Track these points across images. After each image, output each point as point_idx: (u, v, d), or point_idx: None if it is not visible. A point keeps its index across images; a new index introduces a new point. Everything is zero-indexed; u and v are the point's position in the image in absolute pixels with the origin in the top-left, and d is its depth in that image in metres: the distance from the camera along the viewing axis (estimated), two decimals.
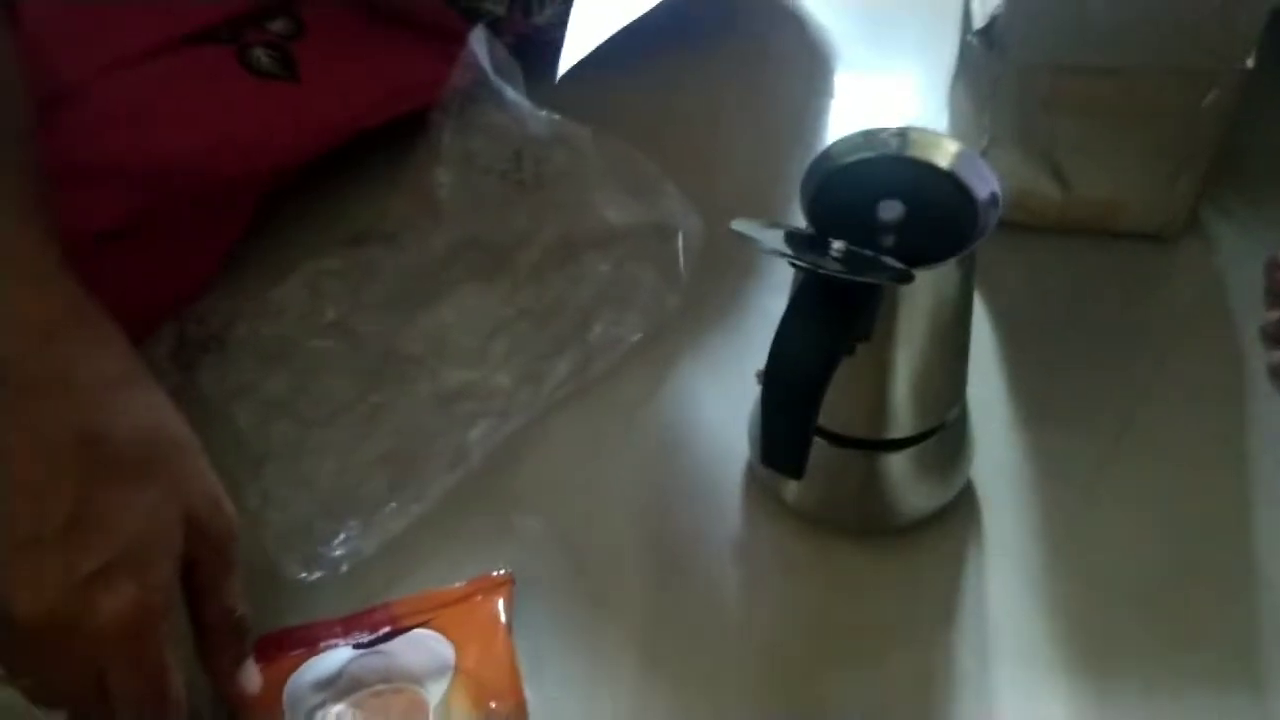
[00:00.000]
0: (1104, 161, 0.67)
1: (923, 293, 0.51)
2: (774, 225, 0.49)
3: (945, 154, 0.53)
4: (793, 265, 0.47)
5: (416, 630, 0.56)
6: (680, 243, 0.69)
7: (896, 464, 0.58)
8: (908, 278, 0.46)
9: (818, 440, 0.57)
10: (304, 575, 0.60)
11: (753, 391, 0.57)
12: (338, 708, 0.54)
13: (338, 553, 0.61)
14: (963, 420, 0.60)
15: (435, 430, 0.65)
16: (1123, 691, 0.56)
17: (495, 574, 0.58)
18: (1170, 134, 0.66)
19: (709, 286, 0.69)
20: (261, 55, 0.72)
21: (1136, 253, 0.71)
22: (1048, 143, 0.67)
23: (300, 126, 0.72)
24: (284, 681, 0.55)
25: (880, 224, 0.51)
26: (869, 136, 0.53)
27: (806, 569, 0.60)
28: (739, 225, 0.47)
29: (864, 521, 0.61)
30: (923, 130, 0.53)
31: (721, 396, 0.66)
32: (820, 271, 0.46)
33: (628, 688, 0.57)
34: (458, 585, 0.58)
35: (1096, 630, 0.57)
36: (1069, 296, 0.70)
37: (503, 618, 0.57)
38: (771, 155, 0.77)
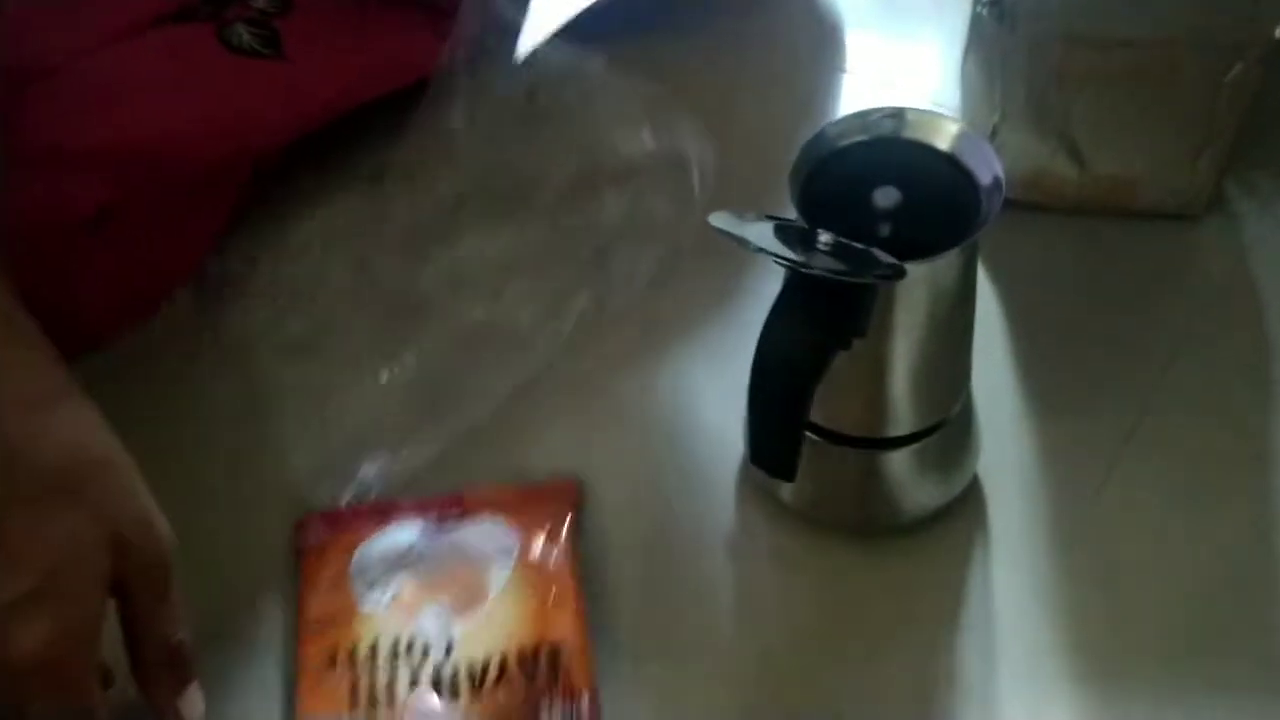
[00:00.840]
0: (1122, 138, 0.64)
1: (922, 285, 0.49)
2: (761, 217, 0.46)
3: (945, 135, 0.50)
4: (778, 263, 0.44)
5: (486, 518, 0.57)
6: (695, 173, 0.67)
7: (897, 462, 0.55)
8: (899, 274, 0.43)
9: (813, 438, 0.54)
10: None
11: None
12: (401, 578, 0.55)
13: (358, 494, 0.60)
14: (967, 414, 0.57)
15: (456, 368, 0.64)
16: (1134, 702, 0.53)
17: (568, 479, 0.59)
18: (1192, 108, 0.62)
19: (702, 280, 0.67)
20: (243, 32, 0.70)
21: (1156, 233, 0.67)
22: (1062, 119, 0.63)
23: (287, 105, 0.69)
24: (354, 550, 0.56)
25: (876, 212, 0.48)
26: (863, 118, 0.50)
27: (803, 569, 0.58)
28: (718, 220, 0.44)
29: (863, 521, 0.58)
30: (920, 110, 0.50)
31: (718, 386, 0.63)
32: (803, 271, 0.43)
33: (613, 690, 0.54)
34: (533, 482, 0.59)
35: (1108, 637, 0.55)
36: (1084, 280, 0.66)
37: (566, 523, 0.57)
38: (779, 132, 0.73)
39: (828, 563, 0.58)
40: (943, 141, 0.50)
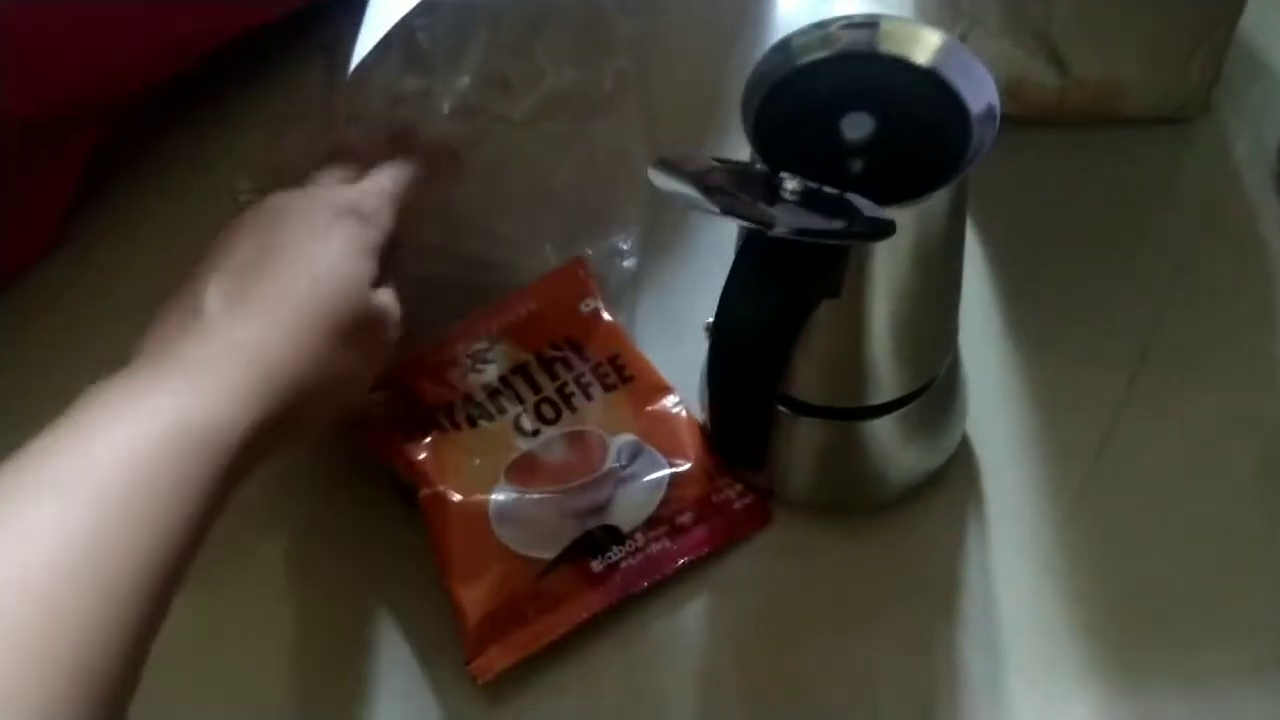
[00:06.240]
0: (1108, 37, 0.56)
1: (905, 233, 0.40)
2: (710, 164, 0.37)
3: (925, 48, 0.41)
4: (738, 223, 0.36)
5: None
6: None
7: (879, 431, 0.48)
8: (888, 230, 0.35)
9: (784, 411, 0.47)
10: None
11: (703, 346, 0.46)
12: None
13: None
14: (954, 371, 0.50)
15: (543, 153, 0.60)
16: (1156, 688, 0.47)
17: None
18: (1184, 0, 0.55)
19: (663, 241, 0.58)
20: None
21: (1148, 140, 0.60)
22: (1040, 20, 0.55)
23: (138, 40, 0.60)
24: None
25: (846, 144, 0.40)
26: (825, 29, 0.41)
27: (781, 552, 0.51)
28: (659, 177, 0.35)
29: (843, 498, 0.51)
30: (893, 19, 0.41)
31: (670, 350, 0.55)
32: (768, 235, 0.34)
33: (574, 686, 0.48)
34: None
35: (1122, 614, 0.49)
36: (1071, 200, 0.59)
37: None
38: (721, 50, 0.64)
39: (807, 544, 0.51)
40: (922, 55, 0.41)
